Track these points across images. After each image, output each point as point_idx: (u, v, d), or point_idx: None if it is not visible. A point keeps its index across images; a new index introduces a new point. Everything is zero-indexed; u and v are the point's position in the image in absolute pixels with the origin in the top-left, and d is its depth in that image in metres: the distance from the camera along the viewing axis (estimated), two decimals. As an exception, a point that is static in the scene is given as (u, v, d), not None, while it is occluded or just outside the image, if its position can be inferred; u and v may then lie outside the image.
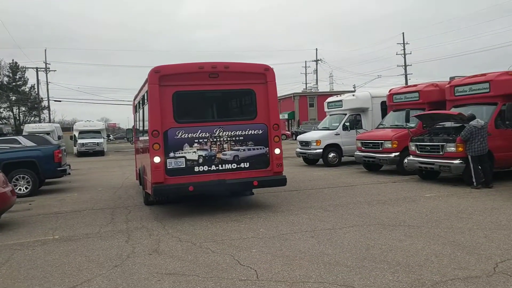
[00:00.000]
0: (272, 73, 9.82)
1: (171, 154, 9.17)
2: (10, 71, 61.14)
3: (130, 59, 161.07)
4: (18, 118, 60.78)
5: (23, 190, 13.84)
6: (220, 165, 9.42)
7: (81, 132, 38.80)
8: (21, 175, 13.95)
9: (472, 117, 11.83)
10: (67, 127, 56.75)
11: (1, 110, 60.34)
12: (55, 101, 54.32)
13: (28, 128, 35.52)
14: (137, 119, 13.57)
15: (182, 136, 9.24)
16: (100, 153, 37.17)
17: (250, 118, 9.70)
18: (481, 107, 12.90)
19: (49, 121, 50.81)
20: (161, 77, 9.16)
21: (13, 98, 59.81)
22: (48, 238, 8.28)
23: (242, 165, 9.53)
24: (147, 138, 9.39)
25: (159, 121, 9.10)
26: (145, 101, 10.18)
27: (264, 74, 9.76)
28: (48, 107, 56.28)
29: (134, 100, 14.44)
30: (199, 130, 9.33)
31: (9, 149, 14.69)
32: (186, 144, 9.23)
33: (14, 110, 61.20)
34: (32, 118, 59.70)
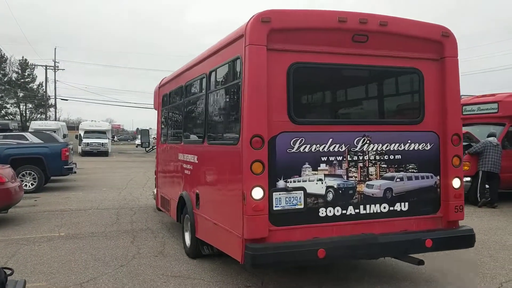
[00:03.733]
0: (453, 42, 5.65)
1: (281, 184, 4.90)
2: (20, 68, 61.55)
3: (137, 61, 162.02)
4: (24, 114, 61.10)
5: (29, 186, 13.93)
6: (362, 207, 5.26)
7: (86, 132, 38.96)
8: (28, 171, 14.06)
9: (493, 135, 11.89)
10: (71, 126, 57.01)
11: (8, 106, 60.69)
12: (62, 99, 54.65)
13: (34, 125, 35.69)
14: (169, 117, 9.32)
15: (301, 148, 4.99)
16: (105, 153, 37.29)
17: (412, 122, 5.57)
18: (488, 127, 12.95)
19: (55, 119, 51.09)
20: (272, 32, 4.85)
21: (21, 94, 60.20)
22: (54, 235, 8.33)
23: (397, 206, 5.40)
24: (226, 149, 5.46)
25: (263, 119, 4.79)
26: (212, 83, 6.20)
27: (440, 44, 5.58)
28: (55, 106, 56.64)
29: (161, 87, 9.66)
30: (330, 140, 5.13)
31: (16, 145, 14.81)
32: (307, 165, 5.03)
33: (21, 107, 61.56)
34: (39, 115, 60.00)
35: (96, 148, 37.12)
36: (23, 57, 61.26)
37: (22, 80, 62.01)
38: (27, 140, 16.41)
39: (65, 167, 14.66)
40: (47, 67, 52.88)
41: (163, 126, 9.61)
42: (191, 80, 7.23)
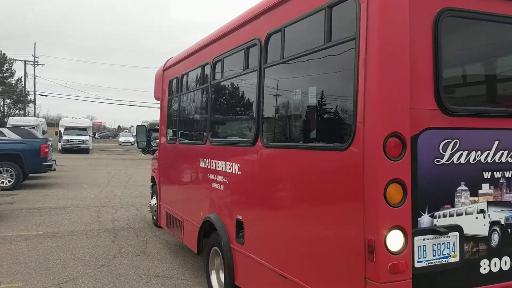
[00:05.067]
0: None
1: (425, 220, 2.84)
2: (-2, 62, 60.19)
3: (121, 58, 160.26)
4: (2, 110, 59.77)
5: (6, 183, 13.54)
6: None
7: (67, 129, 38.22)
8: (5, 168, 13.66)
9: None
10: (51, 123, 55.90)
11: (-15, 101, 59.32)
12: (41, 95, 53.58)
13: (12, 121, 34.84)
14: (181, 108, 6.76)
15: (455, 158, 2.96)
16: (85, 150, 36.65)
17: None
18: None
19: (34, 115, 50.07)
20: None
21: (-1, 89, 58.88)
22: (32, 233, 8.06)
23: None
24: (315, 156, 3.34)
25: (404, 106, 2.75)
26: (274, 51, 3.94)
27: None
28: (34, 101, 55.51)
29: (167, 69, 7.32)
30: (496, 143, 3.10)
31: (-7, 141, 14.38)
32: (464, 187, 2.99)
33: (-1, 102, 60.21)
34: (17, 111, 58.73)
35: (76, 145, 36.45)
36: (1, 51, 59.95)
37: (0, 75, 60.66)
38: (5, 136, 15.97)
39: (44, 164, 14.28)
40: (26, 62, 51.81)
41: (170, 121, 7.14)
42: (225, 53, 4.93)
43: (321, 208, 3.20)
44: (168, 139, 7.11)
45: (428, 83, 2.86)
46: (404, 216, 2.70)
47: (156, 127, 40.53)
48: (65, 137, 36.77)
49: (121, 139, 57.82)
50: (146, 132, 9.24)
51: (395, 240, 2.65)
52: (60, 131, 38.71)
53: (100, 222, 9.02)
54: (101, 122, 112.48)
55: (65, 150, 35.86)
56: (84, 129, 39.15)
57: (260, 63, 4.08)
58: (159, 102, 7.81)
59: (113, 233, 8.12)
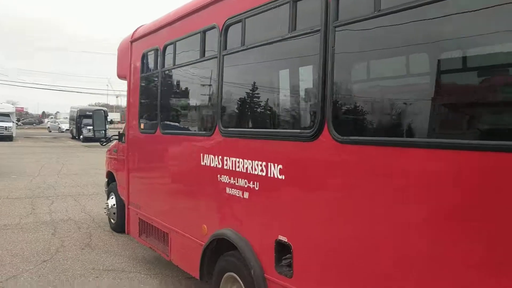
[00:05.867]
0: None
1: None
2: None
3: (42, 42, 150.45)
4: None
5: None
6: None
7: (-13, 115, 35.38)
8: None
9: None
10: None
11: None
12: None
13: None
14: (166, 88, 5.28)
15: None
16: (9, 138, 34.09)
17: None
18: None
19: None
20: None
21: None
22: (-42, 228, 7.36)
23: None
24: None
25: None
26: None
27: None
28: None
29: (138, 40, 5.92)
30: None
31: None
32: None
33: None
34: None
35: (-2, 132, 33.88)
36: None
37: None
38: None
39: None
40: None
41: (146, 105, 5.74)
42: (244, 13, 3.56)
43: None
44: (143, 128, 5.65)
45: None
46: None
47: (87, 113, 38.40)
48: (-15, 124, 34.04)
49: (49, 124, 54.51)
50: (106, 119, 7.52)
51: None
52: (-21, 117, 35.76)
53: (36, 215, 8.42)
54: (23, 108, 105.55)
55: (-15, 138, 33.23)
56: (6, 115, 36.38)
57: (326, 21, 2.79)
58: (125, 80, 6.33)
59: (52, 226, 7.61)
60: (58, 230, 7.31)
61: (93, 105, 65.37)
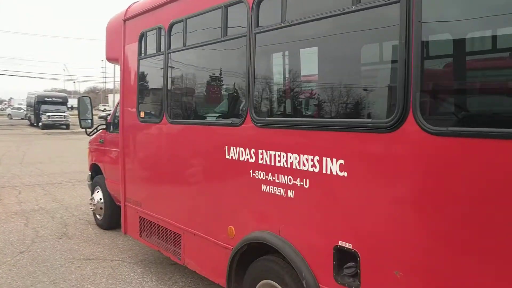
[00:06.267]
0: None
1: None
2: None
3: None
4: None
5: None
6: None
7: None
8: None
9: None
10: None
11: None
12: None
13: None
14: (178, 72, 4.65)
15: None
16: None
17: None
18: None
19: None
20: None
21: None
22: None
23: None
24: None
25: None
26: None
27: None
28: None
29: (133, 18, 5.18)
30: None
31: None
32: None
33: None
34: None
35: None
36: None
37: None
38: None
39: None
40: None
41: (147, 91, 5.21)
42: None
43: None
44: (143, 117, 5.04)
45: None
46: None
47: (46, 99, 36.83)
48: None
49: (8, 110, 51.88)
50: (91, 106, 6.94)
51: None
52: None
53: (4, 205, 8.15)
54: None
55: None
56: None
57: None
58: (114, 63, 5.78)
59: (23, 216, 7.40)
60: (31, 220, 7.12)
61: (48, 91, 63.09)
